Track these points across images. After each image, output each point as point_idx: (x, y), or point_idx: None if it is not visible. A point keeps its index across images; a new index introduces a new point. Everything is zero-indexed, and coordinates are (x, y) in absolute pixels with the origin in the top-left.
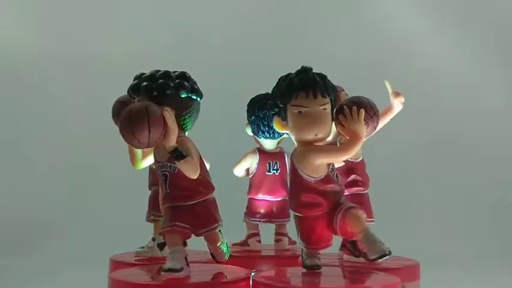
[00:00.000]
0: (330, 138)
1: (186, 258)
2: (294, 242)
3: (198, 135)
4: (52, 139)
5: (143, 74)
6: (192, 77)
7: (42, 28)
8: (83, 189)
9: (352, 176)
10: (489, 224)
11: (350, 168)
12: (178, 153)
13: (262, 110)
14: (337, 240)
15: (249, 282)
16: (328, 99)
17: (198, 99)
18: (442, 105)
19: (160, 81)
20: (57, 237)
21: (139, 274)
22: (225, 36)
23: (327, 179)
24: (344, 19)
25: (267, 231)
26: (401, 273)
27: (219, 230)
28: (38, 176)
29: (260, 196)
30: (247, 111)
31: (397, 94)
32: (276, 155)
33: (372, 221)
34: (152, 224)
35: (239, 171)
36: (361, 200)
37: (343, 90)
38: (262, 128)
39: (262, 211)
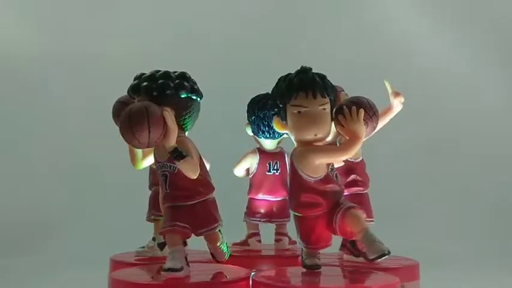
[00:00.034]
0: (329, 138)
1: (186, 258)
2: (294, 242)
3: (198, 135)
4: (52, 139)
5: (143, 74)
6: (192, 77)
7: (42, 28)
8: (83, 189)
9: (352, 176)
10: (489, 224)
11: (350, 168)
12: (178, 153)
13: (263, 110)
14: (337, 240)
15: (249, 282)
16: (327, 99)
17: (198, 99)
18: (442, 105)
19: (160, 81)
20: (57, 237)
21: (140, 274)
22: (225, 36)
23: (327, 179)
24: (344, 19)
25: (267, 231)
26: (401, 273)
27: (219, 230)
28: (38, 176)
29: (260, 196)
30: (247, 111)
31: (396, 94)
32: (276, 155)
33: (372, 220)
34: (152, 223)
35: (239, 171)
36: (361, 200)
37: (343, 90)
38: (262, 128)
39: (262, 211)
